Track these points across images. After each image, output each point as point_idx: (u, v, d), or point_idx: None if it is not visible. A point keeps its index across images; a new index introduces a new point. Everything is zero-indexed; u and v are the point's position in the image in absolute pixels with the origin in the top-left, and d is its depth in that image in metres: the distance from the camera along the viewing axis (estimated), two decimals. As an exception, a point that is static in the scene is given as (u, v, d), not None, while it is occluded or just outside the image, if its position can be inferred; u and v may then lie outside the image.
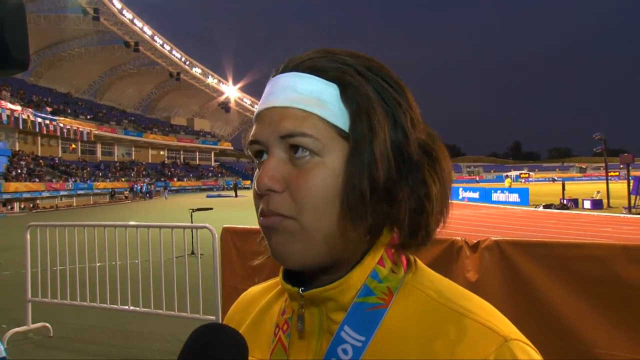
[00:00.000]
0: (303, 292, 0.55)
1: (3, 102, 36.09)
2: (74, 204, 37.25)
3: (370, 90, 0.53)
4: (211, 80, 68.68)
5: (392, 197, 0.52)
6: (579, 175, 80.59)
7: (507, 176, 43.31)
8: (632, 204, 17.15)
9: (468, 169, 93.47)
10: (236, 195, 41.90)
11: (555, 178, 65.90)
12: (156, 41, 57.40)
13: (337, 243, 0.52)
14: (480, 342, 0.48)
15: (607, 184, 20.63)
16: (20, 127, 38.00)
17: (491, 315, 0.51)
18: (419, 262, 0.58)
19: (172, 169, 63.92)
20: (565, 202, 20.12)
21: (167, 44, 59.35)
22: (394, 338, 0.51)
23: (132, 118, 64.62)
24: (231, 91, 73.10)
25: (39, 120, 40.12)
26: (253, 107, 76.81)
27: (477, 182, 56.67)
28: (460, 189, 30.76)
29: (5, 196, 31.14)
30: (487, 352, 0.47)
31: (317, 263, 0.53)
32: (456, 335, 0.49)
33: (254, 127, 0.56)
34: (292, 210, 0.52)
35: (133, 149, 61.93)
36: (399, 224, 0.53)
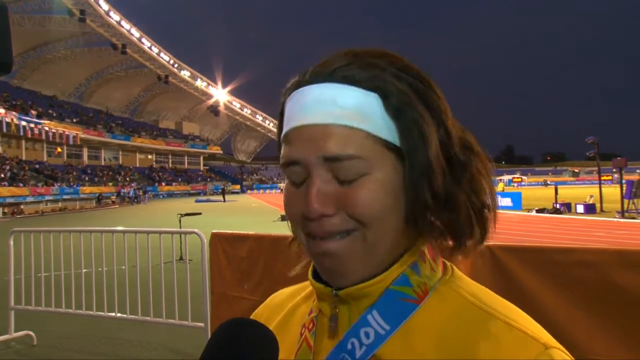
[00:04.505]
0: (339, 292, 0.53)
1: (-13, 105, 35.54)
2: (60, 209, 36.66)
3: (412, 95, 0.51)
4: (200, 83, 68.33)
5: (452, 202, 0.51)
6: (572, 179, 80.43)
7: (499, 180, 43.39)
8: (625, 208, 17.15)
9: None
10: (224, 200, 41.68)
11: (548, 182, 66.11)
12: (144, 43, 56.99)
13: (394, 254, 0.52)
14: (520, 349, 0.47)
15: (600, 188, 20.69)
16: (4, 130, 37.41)
17: (530, 323, 0.50)
18: (455, 267, 0.57)
19: (161, 173, 63.40)
20: (558, 206, 20.09)
21: (155, 46, 58.98)
22: (422, 335, 0.50)
23: (120, 121, 64.07)
24: (220, 94, 72.75)
25: (24, 123, 39.57)
26: (242, 110, 76.58)
27: None
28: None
29: (-12, 201, 30.59)
30: (527, 358, 0.46)
31: (371, 275, 0.52)
32: (495, 340, 0.48)
33: (289, 145, 0.52)
34: (352, 225, 0.50)
35: (120, 153, 61.34)
36: (461, 227, 0.52)
